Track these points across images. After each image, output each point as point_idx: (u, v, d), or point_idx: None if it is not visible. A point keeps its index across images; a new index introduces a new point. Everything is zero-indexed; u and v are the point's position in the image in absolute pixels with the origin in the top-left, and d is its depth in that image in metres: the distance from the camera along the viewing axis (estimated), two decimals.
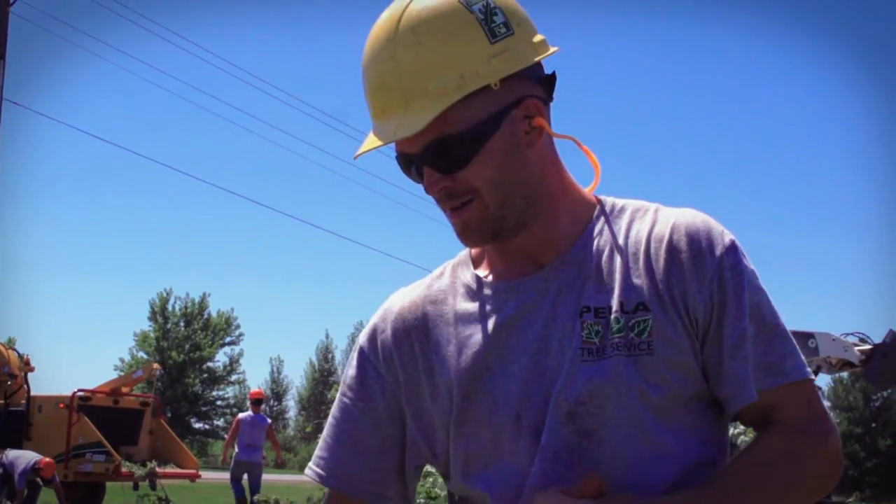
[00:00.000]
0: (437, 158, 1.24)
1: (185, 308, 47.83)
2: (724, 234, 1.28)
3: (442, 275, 1.41)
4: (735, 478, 1.22)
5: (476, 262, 1.39)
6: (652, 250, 1.27)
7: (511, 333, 1.29)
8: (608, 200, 1.37)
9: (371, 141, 1.27)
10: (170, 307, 47.74)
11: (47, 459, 11.16)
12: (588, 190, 1.38)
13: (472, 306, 1.34)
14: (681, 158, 70.89)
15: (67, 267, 67.65)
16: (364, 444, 1.38)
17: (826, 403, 1.73)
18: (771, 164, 67.31)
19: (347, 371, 1.42)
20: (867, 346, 6.85)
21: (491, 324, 1.31)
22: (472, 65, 1.21)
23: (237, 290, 70.86)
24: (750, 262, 1.28)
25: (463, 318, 1.34)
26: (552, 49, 1.29)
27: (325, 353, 60.64)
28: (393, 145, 1.27)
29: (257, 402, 13.38)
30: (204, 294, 48.24)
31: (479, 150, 1.23)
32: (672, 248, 1.26)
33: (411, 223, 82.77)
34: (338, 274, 74.69)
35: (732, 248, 1.27)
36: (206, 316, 48.01)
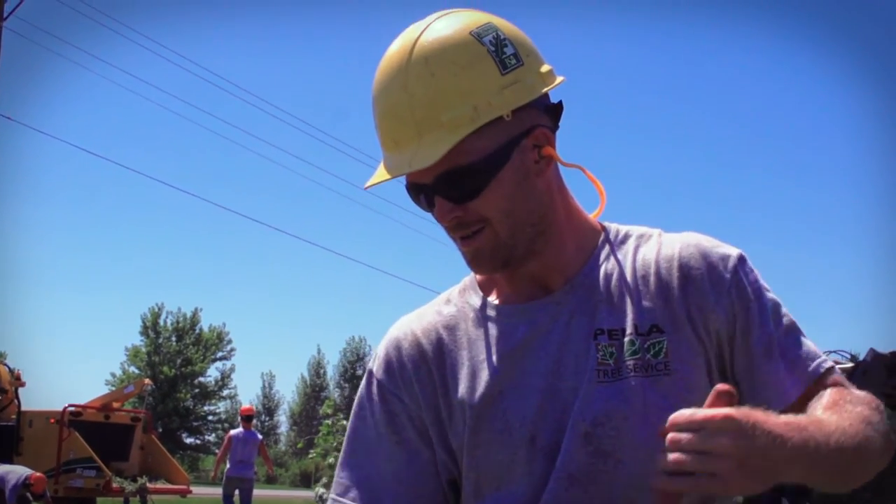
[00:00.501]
0: (449, 189, 1.25)
1: (177, 323, 47.69)
2: (732, 248, 1.32)
3: (449, 301, 1.42)
4: (824, 412, 1.19)
5: (483, 287, 1.40)
6: (663, 272, 1.30)
7: (524, 356, 1.30)
8: (612, 227, 1.39)
9: (382, 173, 1.28)
10: (161, 322, 47.61)
11: (38, 474, 11.06)
12: (593, 216, 1.41)
13: (484, 331, 1.35)
14: (667, 170, 71.11)
15: (58, 281, 67.41)
16: (404, 475, 1.36)
17: None
18: (763, 176, 67.57)
19: (371, 406, 1.39)
20: (849, 364, 6.88)
21: (503, 347, 1.32)
22: (485, 96, 1.22)
23: (229, 305, 70.76)
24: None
25: (475, 343, 1.35)
26: (559, 79, 1.31)
27: (317, 369, 60.49)
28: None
29: (248, 418, 13.30)
30: (195, 309, 48.17)
31: (491, 180, 1.24)
32: (684, 267, 1.29)
33: (403, 239, 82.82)
34: (329, 289, 74.63)
35: (742, 259, 1.31)
36: (197, 331, 47.88)
